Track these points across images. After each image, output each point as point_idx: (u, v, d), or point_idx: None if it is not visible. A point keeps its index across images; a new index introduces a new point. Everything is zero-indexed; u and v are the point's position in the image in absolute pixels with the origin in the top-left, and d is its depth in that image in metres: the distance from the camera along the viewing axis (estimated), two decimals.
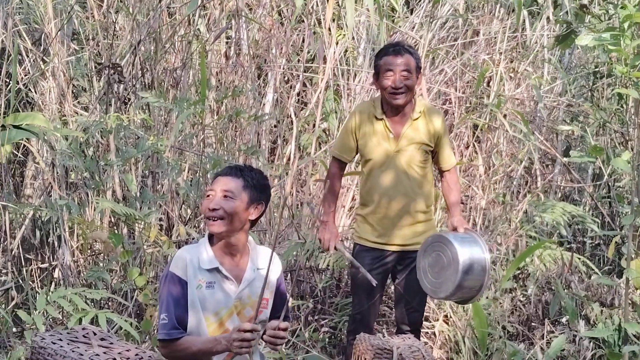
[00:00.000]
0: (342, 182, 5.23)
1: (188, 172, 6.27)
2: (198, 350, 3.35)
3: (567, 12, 6.96)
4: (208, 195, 3.46)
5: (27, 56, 6.25)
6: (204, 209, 3.45)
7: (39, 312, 4.63)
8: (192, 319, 3.39)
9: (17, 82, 5.92)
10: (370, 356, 3.77)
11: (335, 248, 4.68)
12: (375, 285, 4.41)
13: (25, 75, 6.26)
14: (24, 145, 6.26)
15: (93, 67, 6.48)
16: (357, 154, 4.81)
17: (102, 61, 6.42)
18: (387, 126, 4.63)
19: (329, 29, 6.33)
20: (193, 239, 5.58)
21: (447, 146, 4.78)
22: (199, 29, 6.74)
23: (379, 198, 4.66)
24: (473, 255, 4.34)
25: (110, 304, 5.32)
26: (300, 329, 5.60)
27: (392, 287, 4.98)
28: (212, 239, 3.50)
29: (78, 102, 6.58)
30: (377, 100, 4.72)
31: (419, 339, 4.58)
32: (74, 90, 6.58)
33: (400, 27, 7.11)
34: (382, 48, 4.81)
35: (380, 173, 4.64)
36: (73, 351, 3.24)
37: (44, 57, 6.30)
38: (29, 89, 6.29)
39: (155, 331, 4.76)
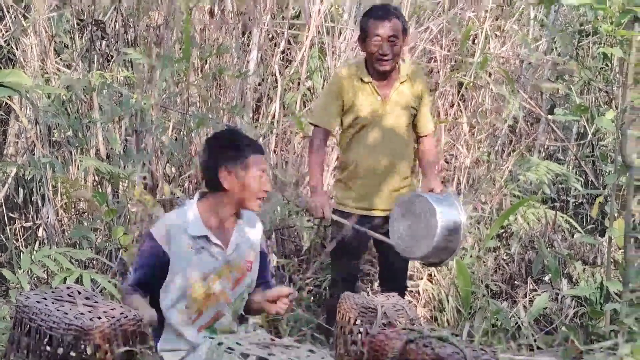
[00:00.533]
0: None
1: (172, 130, 6.24)
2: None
3: None
4: (261, 176, 3.45)
5: (8, 12, 6.17)
6: (259, 189, 3.45)
7: (23, 271, 4.62)
8: (178, 284, 3.39)
9: None
10: (354, 314, 3.78)
11: (323, 216, 4.62)
12: (399, 250, 4.43)
13: (7, 32, 6.18)
14: (6, 103, 6.20)
15: (75, 23, 6.40)
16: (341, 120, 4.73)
17: (85, 18, 6.35)
18: (374, 89, 4.60)
19: None
20: (177, 197, 5.56)
21: (428, 112, 4.77)
22: None
23: (364, 159, 4.62)
24: (451, 217, 4.33)
25: (95, 262, 5.32)
26: None
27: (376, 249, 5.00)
28: (199, 201, 3.49)
29: (60, 59, 6.51)
30: (361, 63, 4.66)
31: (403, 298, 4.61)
32: (56, 47, 6.50)
33: None
34: (369, 10, 4.71)
35: (366, 134, 4.60)
36: (58, 310, 3.23)
37: (25, 14, 6.21)
38: (10, 46, 6.22)
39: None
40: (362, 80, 4.60)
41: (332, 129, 4.76)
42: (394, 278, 4.77)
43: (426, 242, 4.32)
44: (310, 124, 4.80)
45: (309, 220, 5.78)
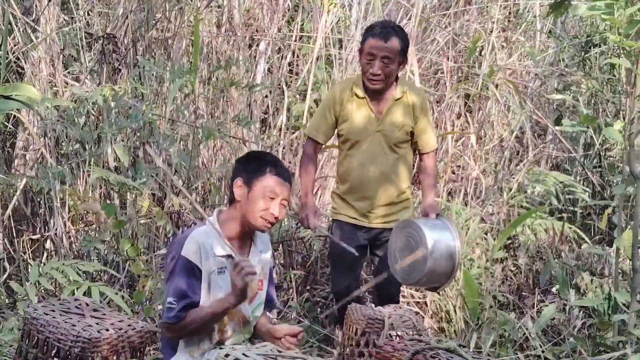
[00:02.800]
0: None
1: (180, 142, 6.25)
2: (207, 315, 3.34)
3: None
4: (272, 198, 3.41)
5: (17, 26, 6.20)
6: (262, 210, 3.40)
7: (31, 284, 4.63)
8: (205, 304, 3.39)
9: (7, 53, 5.87)
10: (361, 326, 3.79)
11: (314, 227, 4.65)
12: (356, 255, 4.44)
13: (15, 45, 6.21)
14: (14, 116, 6.22)
15: (83, 37, 6.43)
16: (334, 134, 4.74)
17: (93, 31, 6.38)
18: (369, 106, 4.59)
19: None
20: (185, 209, 5.58)
21: (428, 129, 4.72)
22: None
23: (358, 177, 4.63)
24: (443, 242, 4.31)
25: (102, 275, 5.33)
26: (292, 299, 5.62)
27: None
28: (218, 219, 3.49)
29: (68, 72, 6.54)
30: (359, 79, 4.63)
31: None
32: (64, 61, 6.53)
33: None
34: (370, 26, 4.69)
35: (360, 149, 4.61)
36: (66, 322, 3.25)
37: (35, 26, 6.24)
38: (19, 59, 6.24)
39: (148, 302, 4.78)
40: (356, 95, 4.60)
41: (323, 142, 4.76)
42: (388, 292, 4.74)
43: (418, 269, 4.31)
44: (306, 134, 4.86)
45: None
